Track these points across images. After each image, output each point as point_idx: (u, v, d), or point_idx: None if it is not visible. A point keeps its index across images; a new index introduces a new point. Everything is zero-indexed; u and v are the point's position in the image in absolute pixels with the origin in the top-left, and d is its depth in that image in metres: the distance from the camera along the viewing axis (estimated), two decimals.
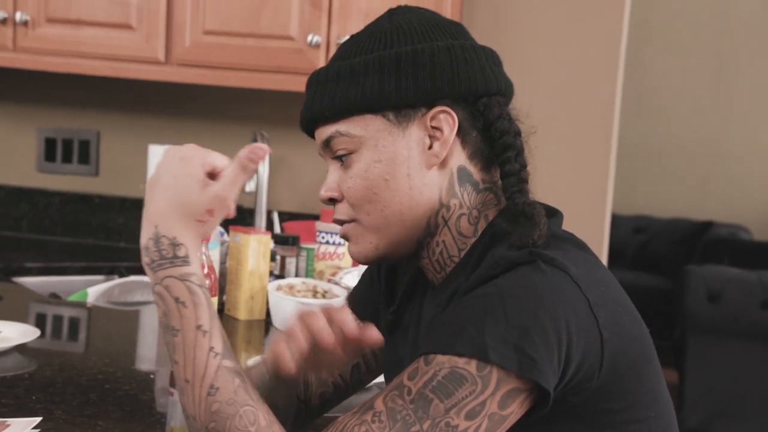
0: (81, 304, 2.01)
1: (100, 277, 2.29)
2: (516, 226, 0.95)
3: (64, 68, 2.26)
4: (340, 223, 1.03)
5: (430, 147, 0.99)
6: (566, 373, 0.88)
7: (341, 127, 1.00)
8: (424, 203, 0.99)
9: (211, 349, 0.90)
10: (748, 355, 3.81)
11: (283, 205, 2.52)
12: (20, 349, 1.53)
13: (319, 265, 2.02)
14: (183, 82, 2.26)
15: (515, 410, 0.88)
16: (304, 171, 2.54)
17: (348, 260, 2.03)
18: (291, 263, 2.00)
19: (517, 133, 1.00)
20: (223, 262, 1.91)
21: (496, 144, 1.00)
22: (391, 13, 1.04)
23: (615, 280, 0.98)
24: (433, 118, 0.98)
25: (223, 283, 1.88)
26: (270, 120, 2.51)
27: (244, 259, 1.85)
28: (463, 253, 1.01)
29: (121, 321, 1.95)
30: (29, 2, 2.22)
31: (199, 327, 0.91)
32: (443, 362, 0.87)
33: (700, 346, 3.84)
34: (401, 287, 1.11)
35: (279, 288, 1.83)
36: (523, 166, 0.99)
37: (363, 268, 1.90)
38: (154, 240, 0.92)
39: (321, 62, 2.13)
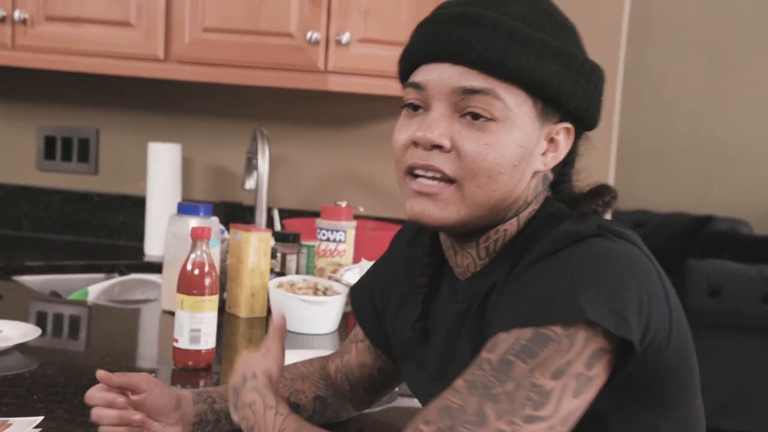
0: (81, 303, 2.01)
1: (101, 276, 2.28)
2: (583, 200, 0.97)
3: (63, 66, 2.26)
4: (429, 169, 0.95)
5: (544, 153, 0.98)
6: (643, 342, 0.88)
7: (501, 89, 0.93)
8: (517, 198, 0.98)
9: (277, 413, 1.00)
10: (748, 349, 3.81)
11: (283, 202, 2.51)
12: (21, 348, 1.53)
13: (320, 262, 2.01)
14: (182, 79, 2.26)
15: (600, 373, 0.87)
16: (305, 168, 2.54)
17: (349, 257, 2.03)
18: (292, 260, 1.99)
19: (573, 166, 1.04)
20: (223, 260, 1.91)
21: (563, 169, 1.02)
22: None
23: None
24: (558, 132, 0.98)
25: (223, 281, 1.88)
26: (270, 117, 2.51)
27: (244, 256, 1.85)
28: (508, 241, 0.99)
29: (121, 319, 1.94)
30: (28, 0, 2.21)
31: (266, 407, 1.01)
32: (526, 329, 0.85)
33: (701, 340, 3.82)
34: (421, 289, 1.08)
35: (280, 285, 1.83)
36: (572, 184, 1.03)
37: (364, 265, 1.90)
38: (232, 390, 1.07)
39: (320, 59, 2.12)
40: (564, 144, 0.99)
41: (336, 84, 2.16)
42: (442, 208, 0.95)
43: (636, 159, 5.06)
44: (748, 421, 3.81)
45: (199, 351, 1.49)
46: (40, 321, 1.80)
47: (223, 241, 1.93)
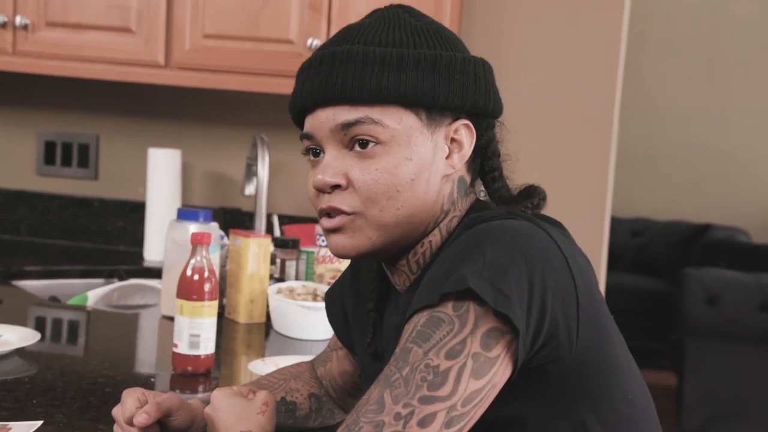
0: (81, 308, 2.01)
1: (100, 281, 2.28)
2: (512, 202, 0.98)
3: (64, 72, 2.26)
4: (337, 212, 0.98)
5: (448, 156, 0.99)
6: (542, 323, 0.86)
7: (374, 114, 0.95)
8: (431, 209, 0.99)
9: None
10: (746, 358, 3.81)
11: (282, 208, 2.52)
12: (20, 352, 1.53)
13: (319, 268, 2.02)
14: (182, 85, 2.26)
15: (501, 355, 0.85)
16: (304, 174, 2.52)
17: (347, 264, 2.03)
18: (291, 266, 2.00)
19: (499, 155, 1.04)
20: (223, 266, 1.91)
21: (486, 163, 1.03)
22: (408, 11, 1.01)
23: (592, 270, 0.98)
24: (456, 130, 0.99)
25: (223, 287, 1.88)
26: (270, 124, 2.51)
27: (244, 262, 1.85)
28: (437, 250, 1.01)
29: (120, 324, 1.94)
30: (29, 6, 2.22)
31: None
32: (422, 314, 0.87)
33: (699, 349, 3.84)
34: (369, 315, 1.10)
35: (279, 291, 1.83)
36: (506, 186, 1.03)
37: None
38: None
39: None
40: (467, 140, 0.99)
41: None
42: (350, 237, 0.98)
43: (634, 168, 5.07)
44: (745, 429, 3.81)
45: (198, 356, 1.49)
46: (39, 326, 1.80)
47: (222, 246, 1.93)
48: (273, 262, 1.96)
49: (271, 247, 1.94)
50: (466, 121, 0.99)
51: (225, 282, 1.89)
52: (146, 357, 1.74)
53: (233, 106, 2.54)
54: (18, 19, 2.21)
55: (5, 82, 2.52)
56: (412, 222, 0.98)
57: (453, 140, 0.99)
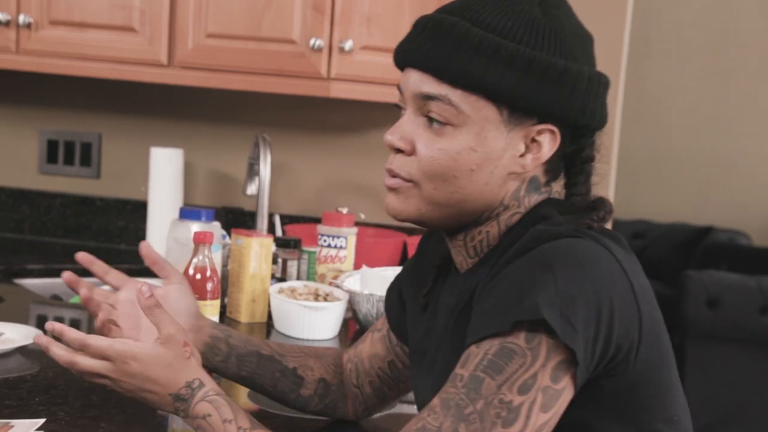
0: (82, 307, 2.01)
1: None
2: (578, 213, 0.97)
3: (67, 71, 2.26)
4: (393, 174, 1.00)
5: (522, 156, 0.98)
6: (607, 351, 0.88)
7: (454, 96, 0.95)
8: (489, 200, 0.99)
9: (239, 428, 0.99)
10: (747, 361, 3.81)
11: (284, 208, 2.52)
12: (22, 350, 1.53)
13: (321, 268, 2.02)
14: (185, 85, 2.26)
15: (567, 386, 0.87)
16: (306, 174, 2.55)
17: (350, 264, 2.03)
18: (293, 266, 2.00)
19: (592, 160, 1.03)
20: (225, 265, 1.92)
21: (574, 168, 1.02)
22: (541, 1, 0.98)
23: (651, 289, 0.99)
24: (539, 133, 0.97)
25: (224, 286, 1.88)
26: (272, 123, 2.51)
27: (245, 261, 1.85)
28: (499, 241, 1.01)
29: None
30: (32, 5, 2.22)
31: (224, 421, 1.00)
32: (493, 342, 0.87)
33: (699, 351, 3.84)
34: (431, 270, 1.11)
35: (281, 291, 1.83)
36: (588, 190, 1.03)
37: (365, 271, 1.91)
38: (173, 398, 1.02)
39: (323, 66, 2.13)
40: (548, 145, 0.98)
41: (338, 91, 2.17)
42: (402, 201, 1.00)
43: (635, 170, 5.07)
44: None
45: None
46: (41, 324, 1.81)
47: (224, 246, 1.93)
48: (275, 261, 1.97)
49: (273, 247, 1.94)
50: (553, 128, 0.97)
51: (227, 281, 1.89)
52: None
53: (236, 106, 2.54)
54: (21, 18, 2.22)
55: (8, 80, 2.52)
56: (464, 207, 0.99)
57: (533, 140, 0.98)
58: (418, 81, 0.97)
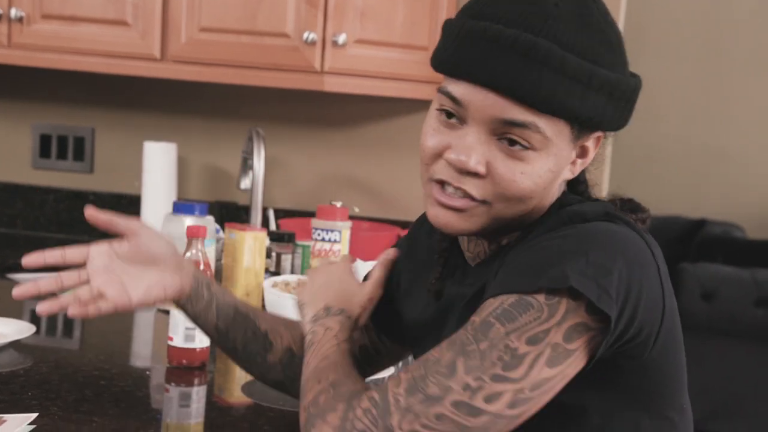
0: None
1: None
2: (622, 208, 0.98)
3: (59, 65, 2.26)
4: (463, 194, 0.94)
5: (573, 162, 0.99)
6: (629, 328, 0.88)
7: (541, 122, 0.91)
8: (543, 208, 0.99)
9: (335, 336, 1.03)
10: (742, 354, 3.82)
11: (278, 202, 2.52)
12: (15, 345, 1.53)
13: (315, 262, 2.02)
14: (178, 79, 2.26)
15: (580, 349, 0.86)
16: (300, 168, 2.54)
17: None
18: (287, 260, 2.00)
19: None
20: (218, 259, 1.91)
21: (585, 169, 1.04)
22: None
23: None
24: (589, 140, 0.98)
25: (219, 280, 1.88)
26: (266, 117, 2.51)
27: (239, 256, 1.85)
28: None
29: (116, 318, 1.93)
30: None
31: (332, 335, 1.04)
32: (511, 295, 0.87)
33: (695, 344, 3.83)
34: (441, 255, 1.10)
35: (275, 285, 1.83)
36: (586, 188, 1.06)
37: (359, 266, 1.90)
38: (324, 310, 1.08)
39: (317, 60, 2.13)
40: (593, 150, 1.00)
41: (332, 85, 2.16)
42: (465, 220, 0.96)
43: (630, 163, 5.07)
44: (741, 426, 3.82)
45: (193, 349, 1.49)
46: (35, 318, 1.80)
47: (218, 240, 1.93)
48: (269, 255, 1.96)
49: (267, 241, 1.94)
50: (601, 134, 0.99)
51: (221, 276, 1.89)
52: (141, 350, 1.74)
53: (229, 100, 2.54)
54: (13, 12, 2.21)
55: (0, 74, 2.51)
56: (523, 217, 0.98)
57: (582, 147, 0.98)
58: (501, 105, 0.91)
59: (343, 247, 2.02)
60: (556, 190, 1.00)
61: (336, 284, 1.12)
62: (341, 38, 2.11)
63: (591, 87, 0.92)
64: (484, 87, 0.91)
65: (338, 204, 2.09)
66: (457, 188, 0.95)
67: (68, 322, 1.85)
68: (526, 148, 0.92)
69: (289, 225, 2.29)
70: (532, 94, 0.90)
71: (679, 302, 3.47)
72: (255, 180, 2.23)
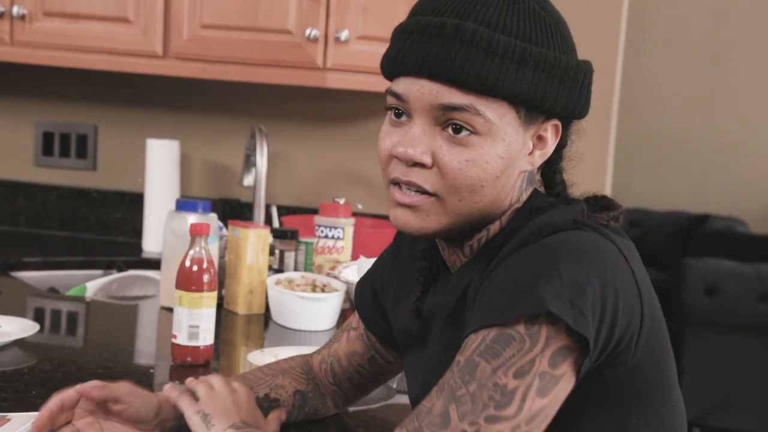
0: (79, 299, 2.01)
1: (99, 272, 2.28)
2: (591, 210, 0.96)
3: (62, 62, 2.26)
4: (414, 188, 0.96)
5: (530, 153, 0.98)
6: (610, 340, 0.88)
7: (480, 105, 0.92)
8: (503, 204, 0.99)
9: None
10: (745, 348, 3.82)
11: (281, 199, 2.52)
12: (19, 343, 1.53)
13: (318, 259, 2.02)
14: (181, 76, 2.26)
15: (566, 372, 0.86)
16: (303, 165, 2.54)
17: (347, 254, 2.03)
18: (290, 257, 1.99)
19: (564, 145, 1.03)
20: (222, 257, 1.91)
21: (557, 162, 1.03)
22: None
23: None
24: (545, 129, 0.98)
25: (222, 278, 1.88)
26: (268, 114, 2.51)
27: (242, 253, 1.85)
28: (494, 234, 1.00)
29: (119, 315, 1.94)
30: None
31: None
32: (492, 329, 0.86)
33: (697, 339, 3.85)
34: (420, 273, 1.10)
35: (278, 282, 1.83)
36: (562, 182, 1.04)
37: (362, 262, 1.90)
38: (242, 422, 1.05)
39: (319, 56, 2.13)
40: (552, 140, 0.99)
41: (334, 81, 2.16)
42: (422, 219, 0.97)
43: (633, 158, 5.07)
44: (744, 420, 3.82)
45: (197, 347, 1.49)
46: (38, 317, 1.80)
47: (221, 237, 1.93)
48: (272, 252, 1.96)
49: (270, 238, 1.93)
50: (557, 122, 0.98)
51: (224, 273, 1.89)
52: (145, 348, 1.74)
53: (231, 97, 2.53)
54: (15, 9, 2.21)
55: (2, 72, 2.51)
56: (483, 213, 0.98)
57: (540, 137, 0.98)
58: (437, 91, 0.93)
59: (346, 244, 2.02)
60: (515, 183, 0.98)
61: (245, 406, 1.08)
62: (343, 34, 2.11)
63: (525, 64, 0.92)
64: (419, 77, 0.93)
65: (341, 201, 2.09)
66: (407, 183, 0.96)
67: (72, 320, 1.85)
68: (470, 132, 0.93)
69: (292, 222, 2.29)
70: (464, 74, 0.91)
71: (682, 297, 3.48)
72: (258, 177, 2.23)
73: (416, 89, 0.94)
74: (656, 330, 0.94)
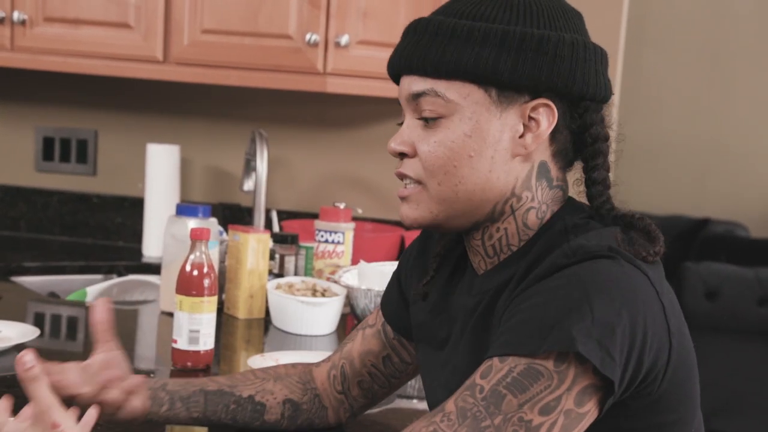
0: (80, 304, 2.01)
1: (99, 277, 2.29)
2: (630, 238, 0.93)
3: (62, 67, 2.26)
4: (402, 177, 1.01)
5: (522, 136, 0.97)
6: (636, 377, 0.88)
7: (439, 87, 0.96)
8: (498, 189, 0.98)
9: None
10: (745, 352, 3.82)
11: (281, 203, 2.52)
12: (19, 348, 1.53)
13: (318, 264, 2.02)
14: (181, 81, 2.26)
15: (591, 410, 0.87)
16: (303, 170, 2.54)
17: (347, 259, 2.03)
18: (290, 262, 2.00)
19: (607, 138, 1.00)
20: (222, 261, 1.91)
21: (587, 149, 0.99)
22: None
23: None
24: (534, 109, 0.96)
25: (222, 282, 1.88)
26: (268, 119, 2.51)
27: (243, 257, 1.85)
28: (523, 243, 0.99)
29: (119, 320, 1.92)
30: (27, 1, 2.22)
31: None
32: (520, 360, 0.86)
33: (698, 343, 3.78)
34: (434, 260, 1.10)
35: (278, 287, 1.83)
36: (608, 171, 1.00)
37: (362, 267, 1.91)
38: None
39: (319, 61, 2.13)
40: (545, 120, 0.96)
41: (335, 86, 2.16)
42: (414, 208, 1.01)
43: (633, 161, 5.07)
44: (744, 424, 3.82)
45: (198, 352, 1.49)
46: (39, 322, 1.81)
47: (221, 242, 1.93)
48: (272, 257, 1.96)
49: (270, 243, 1.94)
50: (547, 101, 0.96)
51: (224, 277, 1.89)
52: (146, 353, 1.74)
53: (232, 102, 2.54)
54: (16, 15, 2.21)
55: (3, 77, 2.52)
56: (474, 199, 0.98)
57: (531, 118, 0.96)
58: (407, 84, 0.99)
59: (346, 248, 2.02)
60: (508, 168, 0.97)
61: None
62: (344, 39, 2.11)
63: (473, 40, 0.94)
64: (400, 75, 1.01)
65: (341, 205, 2.09)
66: (398, 174, 1.01)
67: (72, 325, 1.85)
68: (436, 118, 0.97)
69: (292, 227, 2.29)
70: (420, 61, 0.97)
71: (683, 301, 3.47)
72: (258, 182, 2.24)
73: (400, 88, 1.01)
74: (684, 360, 0.94)
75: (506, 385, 0.85)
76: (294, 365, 1.26)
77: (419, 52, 0.97)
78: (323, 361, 1.25)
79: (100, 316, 1.15)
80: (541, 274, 0.90)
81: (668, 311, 0.91)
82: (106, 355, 1.15)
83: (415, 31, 0.98)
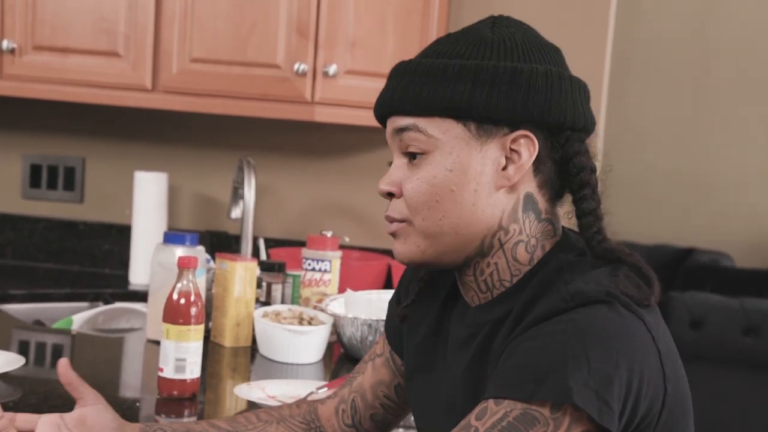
0: (65, 332, 2.00)
1: (85, 304, 2.28)
2: (627, 279, 0.94)
3: (51, 95, 2.27)
4: (391, 221, 1.02)
5: (504, 168, 0.97)
6: (631, 423, 0.89)
7: (420, 123, 0.98)
8: (484, 222, 0.98)
9: None
10: (730, 381, 3.82)
11: (269, 231, 2.52)
12: (4, 377, 1.52)
13: (305, 292, 2.02)
14: (170, 109, 2.27)
15: None
16: (290, 198, 2.55)
17: (334, 287, 2.03)
18: (277, 290, 2.00)
19: (593, 170, 1.00)
20: (209, 289, 1.91)
21: (573, 180, 0.99)
22: (495, 22, 1.01)
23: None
24: (514, 141, 0.97)
25: (209, 310, 1.88)
26: (256, 147, 2.52)
27: (230, 285, 1.85)
28: (516, 279, 0.99)
29: (105, 348, 1.94)
30: (16, 30, 2.23)
31: None
32: (516, 405, 0.87)
33: None
34: (417, 284, 1.11)
35: (265, 315, 1.83)
36: (599, 203, 1.00)
37: (349, 295, 1.91)
38: None
39: (307, 90, 2.15)
40: (526, 152, 0.97)
41: (322, 115, 2.18)
42: (403, 243, 1.02)
43: (618, 192, 5.09)
44: None
45: (184, 380, 1.49)
46: (23, 350, 1.80)
47: (208, 270, 1.93)
48: (259, 285, 1.96)
49: (258, 271, 1.94)
50: (526, 132, 0.96)
51: (211, 305, 1.89)
52: (131, 381, 1.74)
53: (220, 130, 2.55)
54: (5, 43, 2.22)
55: None
56: (460, 233, 0.98)
57: (512, 150, 0.97)
58: (391, 123, 1.01)
59: (333, 277, 2.03)
60: (493, 201, 0.97)
61: None
62: (332, 69, 2.13)
63: (448, 77, 0.97)
64: (384, 119, 1.04)
65: (329, 234, 2.10)
66: (387, 219, 1.03)
67: (57, 353, 1.84)
68: (420, 153, 0.99)
69: (279, 254, 2.29)
70: (400, 102, 1.00)
71: (668, 330, 3.41)
72: (245, 209, 2.24)
73: (387, 130, 1.03)
74: (680, 402, 0.95)
75: (501, 429, 0.86)
76: (299, 404, 1.24)
77: (399, 92, 0.99)
78: (329, 397, 1.24)
79: (65, 378, 1.14)
80: (539, 318, 0.91)
81: (664, 356, 0.92)
82: (82, 411, 1.13)
83: (397, 74, 1.01)
